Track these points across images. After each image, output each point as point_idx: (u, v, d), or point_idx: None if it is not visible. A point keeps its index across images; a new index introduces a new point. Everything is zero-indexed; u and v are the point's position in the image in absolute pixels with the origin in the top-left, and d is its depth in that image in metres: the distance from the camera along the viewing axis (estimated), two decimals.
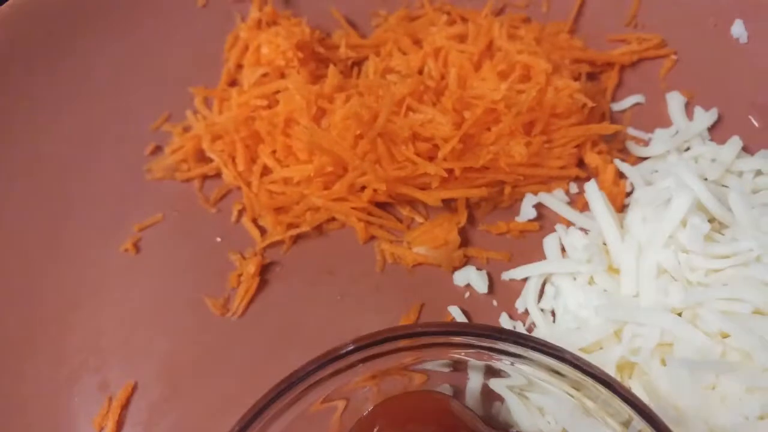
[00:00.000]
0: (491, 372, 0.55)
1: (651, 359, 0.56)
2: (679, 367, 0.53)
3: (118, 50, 0.78)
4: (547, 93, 0.68)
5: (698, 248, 0.58)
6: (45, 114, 0.74)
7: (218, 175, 0.72)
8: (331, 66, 0.70)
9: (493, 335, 0.50)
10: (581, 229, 0.67)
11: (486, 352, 0.51)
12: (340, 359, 0.50)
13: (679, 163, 0.67)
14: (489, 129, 0.68)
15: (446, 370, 0.56)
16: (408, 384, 0.56)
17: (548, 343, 0.49)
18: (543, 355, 0.49)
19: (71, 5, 0.77)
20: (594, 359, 0.59)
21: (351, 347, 0.50)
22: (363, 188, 0.68)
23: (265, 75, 0.72)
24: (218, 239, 0.69)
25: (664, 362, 0.57)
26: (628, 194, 0.69)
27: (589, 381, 0.49)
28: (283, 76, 0.73)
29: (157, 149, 0.74)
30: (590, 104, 0.68)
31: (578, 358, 0.49)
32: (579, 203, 0.69)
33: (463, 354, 0.52)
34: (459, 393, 0.57)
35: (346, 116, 0.66)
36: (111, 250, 0.69)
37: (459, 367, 0.55)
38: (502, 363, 0.52)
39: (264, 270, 0.67)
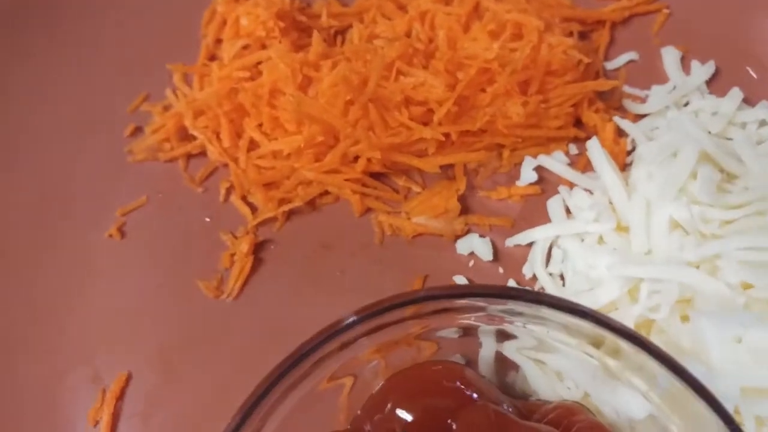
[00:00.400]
0: (504, 336, 0.53)
1: (671, 316, 0.54)
2: (704, 320, 0.51)
3: (91, 31, 0.75)
4: (540, 50, 0.65)
5: (711, 199, 0.56)
6: (18, 101, 0.71)
7: (203, 153, 0.68)
8: (315, 32, 0.67)
9: (503, 294, 0.47)
10: (585, 189, 0.65)
11: (497, 314, 0.48)
12: (343, 332, 0.47)
13: (682, 117, 0.65)
14: (484, 90, 0.65)
15: (456, 336, 0.53)
16: (417, 356, 0.53)
17: (563, 299, 0.46)
18: (559, 311, 0.47)
19: None
20: None
21: (353, 318, 0.46)
22: (356, 159, 0.65)
23: (245, 47, 0.69)
24: (207, 219, 0.66)
25: (684, 318, 0.54)
26: (629, 153, 0.67)
27: (609, 336, 0.46)
28: (264, 47, 0.70)
29: (137, 130, 0.70)
30: (585, 60, 0.66)
31: (597, 312, 0.46)
32: (579, 164, 0.67)
33: (473, 319, 0.50)
34: (472, 363, 0.54)
35: (335, 82, 0.63)
36: (95, 236, 0.65)
37: (469, 332, 0.53)
38: (515, 326, 0.50)
39: (257, 248, 0.64)
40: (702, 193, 0.57)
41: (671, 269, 0.55)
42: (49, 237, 0.66)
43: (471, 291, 0.48)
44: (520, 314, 0.48)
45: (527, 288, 0.61)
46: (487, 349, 0.54)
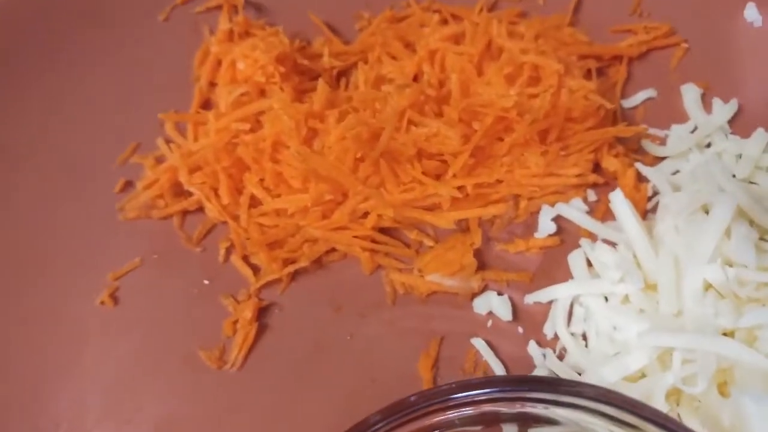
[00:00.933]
0: (525, 418, 0.50)
1: (708, 388, 0.51)
2: (747, 400, 0.48)
3: (73, 77, 0.70)
4: (560, 95, 0.62)
5: (750, 261, 0.53)
6: None
7: (200, 208, 0.64)
8: (321, 80, 0.62)
9: (541, 387, 0.45)
10: (605, 241, 0.62)
11: (518, 401, 0.45)
12: None
13: (709, 163, 0.61)
14: (501, 139, 0.61)
15: (478, 428, 0.50)
16: None
17: (607, 390, 0.44)
18: (583, 399, 0.44)
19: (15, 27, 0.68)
20: (639, 389, 0.53)
21: (381, 423, 0.43)
22: (365, 214, 0.61)
23: (243, 94, 0.65)
24: (206, 282, 0.61)
25: (723, 392, 0.51)
26: (649, 198, 0.64)
27: (638, 421, 0.43)
28: (263, 93, 0.65)
29: (128, 185, 0.66)
30: (608, 106, 0.62)
31: (625, 399, 0.43)
32: (598, 212, 0.63)
33: (493, 406, 0.47)
34: None
35: (343, 135, 0.59)
36: (85, 304, 0.60)
37: (489, 417, 0.50)
38: (537, 408, 0.47)
39: (261, 313, 0.60)
40: (738, 254, 0.53)
41: (708, 340, 0.51)
42: (34, 306, 0.61)
43: (497, 384, 0.45)
44: (541, 400, 0.45)
45: (562, 378, 0.56)
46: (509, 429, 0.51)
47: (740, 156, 0.64)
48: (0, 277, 0.62)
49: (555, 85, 0.62)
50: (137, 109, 0.69)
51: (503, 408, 0.47)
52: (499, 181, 0.62)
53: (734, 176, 0.62)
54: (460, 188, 0.60)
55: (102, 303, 0.61)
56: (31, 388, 0.58)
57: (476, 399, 0.45)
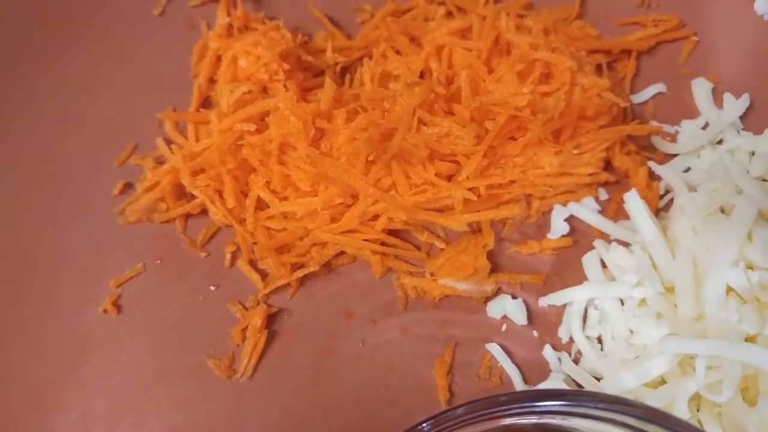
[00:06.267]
0: (546, 429, 0.49)
1: (733, 396, 0.50)
2: None
3: (64, 76, 0.67)
4: (573, 94, 0.60)
5: None
6: None
7: (204, 211, 0.62)
8: (327, 78, 0.60)
9: (581, 402, 0.43)
10: (616, 240, 0.60)
11: (535, 414, 0.44)
12: None
13: (726, 161, 0.60)
14: (513, 138, 0.60)
15: None
16: None
17: (643, 405, 0.42)
18: (602, 411, 0.43)
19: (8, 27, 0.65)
20: (660, 395, 0.53)
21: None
22: (375, 217, 0.59)
23: (245, 92, 0.62)
24: (212, 288, 0.60)
25: (745, 398, 0.50)
26: (661, 196, 0.63)
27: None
28: (265, 90, 0.63)
29: (127, 187, 0.63)
30: (622, 104, 0.61)
31: (649, 409, 0.42)
32: (610, 211, 0.62)
33: (514, 419, 0.46)
34: None
35: (353, 137, 0.57)
36: (87, 313, 0.59)
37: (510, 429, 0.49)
38: (556, 419, 0.46)
39: (270, 320, 0.58)
40: (761, 258, 0.52)
41: (733, 347, 0.50)
42: (34, 316, 0.59)
43: (528, 399, 0.44)
44: (559, 413, 0.44)
45: (582, 390, 0.56)
46: None
47: (753, 153, 0.63)
48: None
49: (568, 82, 0.60)
50: (133, 108, 0.66)
51: (523, 420, 0.46)
52: (512, 182, 0.60)
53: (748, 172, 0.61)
54: (472, 189, 0.59)
55: (105, 311, 0.59)
56: (34, 401, 0.56)
57: (494, 415, 0.44)
